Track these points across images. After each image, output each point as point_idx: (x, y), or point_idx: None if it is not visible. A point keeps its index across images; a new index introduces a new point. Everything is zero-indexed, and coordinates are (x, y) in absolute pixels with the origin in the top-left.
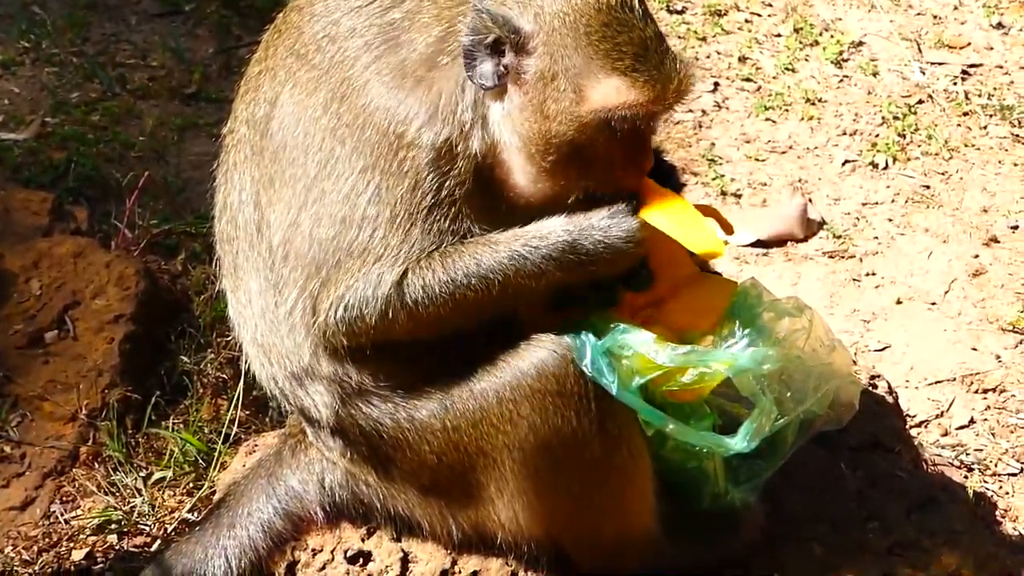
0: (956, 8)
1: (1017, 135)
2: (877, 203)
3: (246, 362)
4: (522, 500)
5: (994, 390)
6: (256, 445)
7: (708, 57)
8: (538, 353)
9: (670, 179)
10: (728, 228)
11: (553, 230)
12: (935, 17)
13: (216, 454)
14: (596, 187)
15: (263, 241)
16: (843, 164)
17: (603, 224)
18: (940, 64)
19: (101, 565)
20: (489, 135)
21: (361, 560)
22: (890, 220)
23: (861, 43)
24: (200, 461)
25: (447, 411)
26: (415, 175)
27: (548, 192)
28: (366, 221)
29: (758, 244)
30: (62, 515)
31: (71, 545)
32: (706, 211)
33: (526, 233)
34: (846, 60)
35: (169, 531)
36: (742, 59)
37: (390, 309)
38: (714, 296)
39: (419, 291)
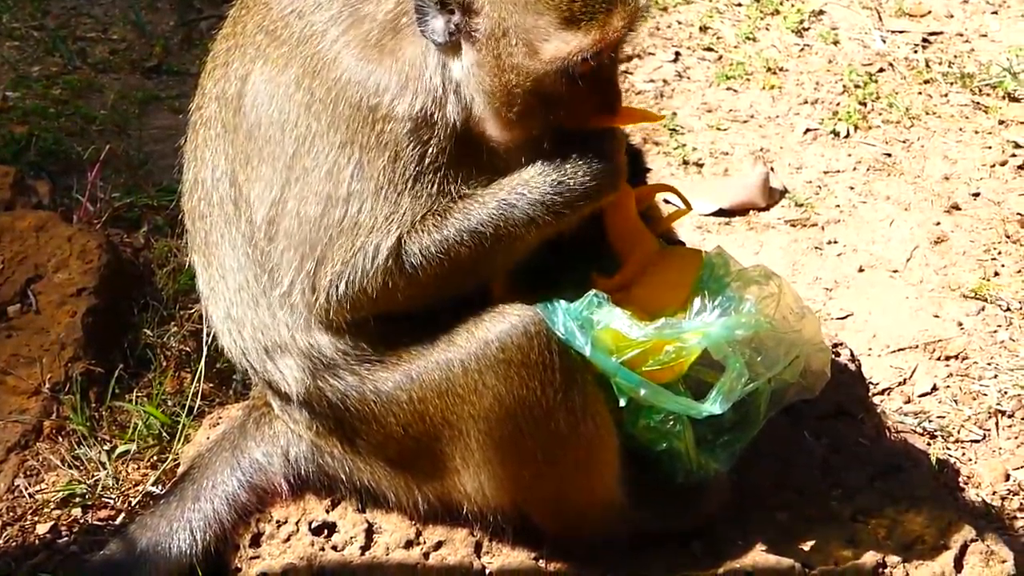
0: None
1: (978, 103)
2: (839, 171)
3: (210, 335)
4: (487, 470)
5: (956, 357)
6: (220, 418)
7: (669, 27)
8: (503, 324)
9: (635, 163)
10: (687, 205)
11: (535, 175)
12: None
13: (180, 427)
14: (570, 124)
15: (242, 218)
16: (804, 133)
17: (582, 161)
18: (901, 32)
19: (66, 539)
20: (461, 96)
21: (326, 531)
22: (852, 188)
23: (822, 12)
24: (164, 434)
25: (413, 382)
26: (395, 146)
27: (522, 139)
28: (352, 196)
29: (720, 213)
30: (26, 489)
31: (35, 519)
32: (664, 188)
33: (510, 182)
34: (807, 29)
35: (133, 504)
36: (703, 28)
37: (389, 278)
38: (681, 271)
39: (416, 255)
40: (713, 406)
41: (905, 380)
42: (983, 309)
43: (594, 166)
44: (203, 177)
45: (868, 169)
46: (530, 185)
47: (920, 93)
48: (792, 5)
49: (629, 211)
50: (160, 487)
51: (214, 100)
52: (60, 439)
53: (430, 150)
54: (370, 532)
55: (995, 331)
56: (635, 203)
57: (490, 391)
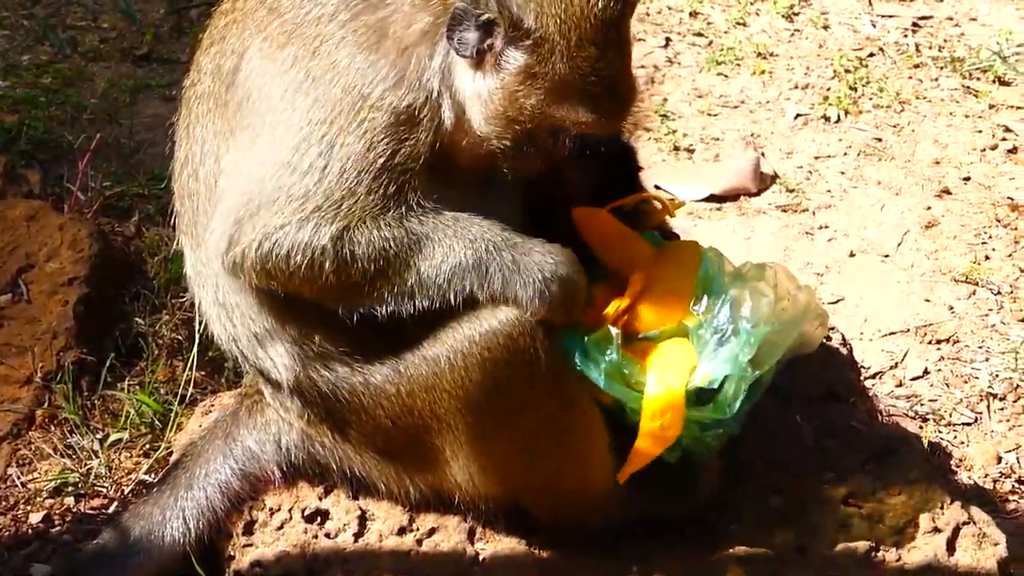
0: None
1: (968, 87)
2: (829, 156)
3: (202, 322)
4: (477, 463)
5: (947, 341)
6: (212, 406)
7: (659, 12)
8: (490, 321)
9: (627, 161)
10: (671, 212)
11: (498, 235)
12: None
13: (172, 415)
14: (517, 167)
15: (217, 193)
16: (795, 118)
17: (546, 261)
18: (891, 17)
19: (58, 528)
20: (456, 104)
21: (319, 519)
22: (842, 173)
23: None
24: (156, 423)
25: (401, 376)
26: (371, 136)
27: (495, 164)
28: (312, 170)
29: (711, 199)
30: (18, 478)
31: (28, 508)
32: (651, 198)
33: (475, 224)
34: (797, 14)
35: (126, 493)
36: (693, 14)
37: (323, 261)
38: (681, 268)
39: (356, 246)
40: (727, 411)
41: (896, 364)
42: (974, 293)
43: (558, 273)
44: (192, 153)
45: (859, 154)
46: (489, 264)
47: (910, 78)
48: None
49: (608, 227)
50: (153, 475)
51: (209, 76)
52: (52, 428)
53: (404, 150)
54: (363, 519)
55: (986, 315)
56: (611, 219)
57: (477, 387)
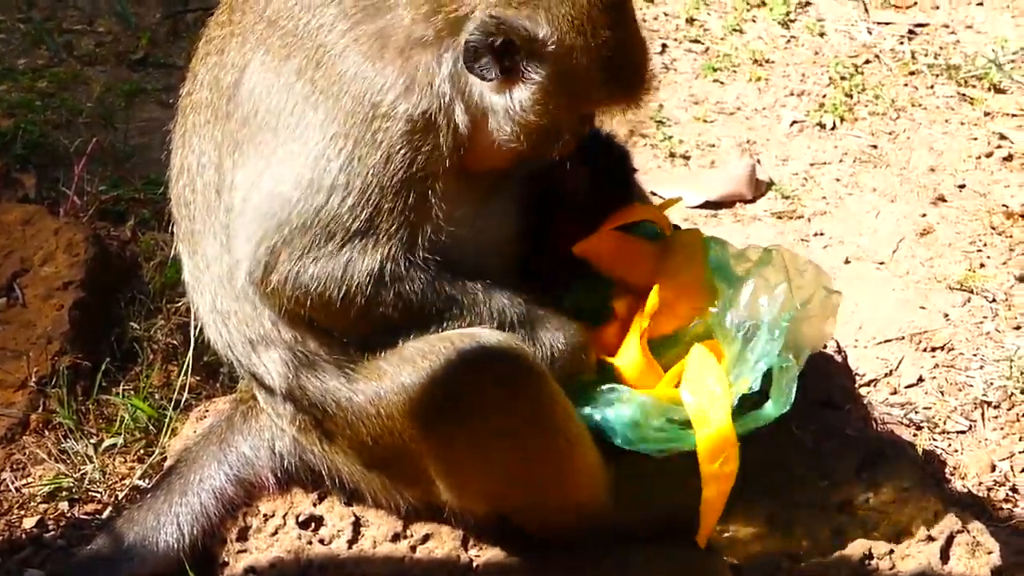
0: None
1: (964, 94)
2: (825, 163)
3: (197, 328)
4: (460, 487)
5: (942, 348)
6: (207, 411)
7: (656, 19)
8: (468, 348)
9: (622, 166)
10: (668, 228)
11: (516, 328)
12: None
13: (167, 420)
14: (550, 152)
15: (222, 204)
16: (791, 124)
17: (558, 338)
18: (887, 24)
19: (53, 533)
20: (471, 110)
21: (313, 524)
22: (838, 180)
23: (808, 3)
24: (151, 427)
25: (380, 399)
26: (388, 147)
27: (510, 158)
28: (336, 188)
29: (707, 205)
30: (12, 483)
31: (22, 513)
32: (647, 212)
33: (501, 312)
34: (793, 21)
35: (120, 498)
36: (689, 20)
37: (356, 295)
38: (690, 270)
39: (390, 294)
40: (777, 410)
41: (891, 371)
42: (969, 300)
43: (570, 344)
44: (189, 163)
45: (854, 161)
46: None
47: (906, 85)
48: None
49: (613, 246)
50: (147, 481)
51: (207, 87)
52: (47, 433)
53: (420, 157)
54: (357, 525)
55: (981, 322)
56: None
57: (456, 414)
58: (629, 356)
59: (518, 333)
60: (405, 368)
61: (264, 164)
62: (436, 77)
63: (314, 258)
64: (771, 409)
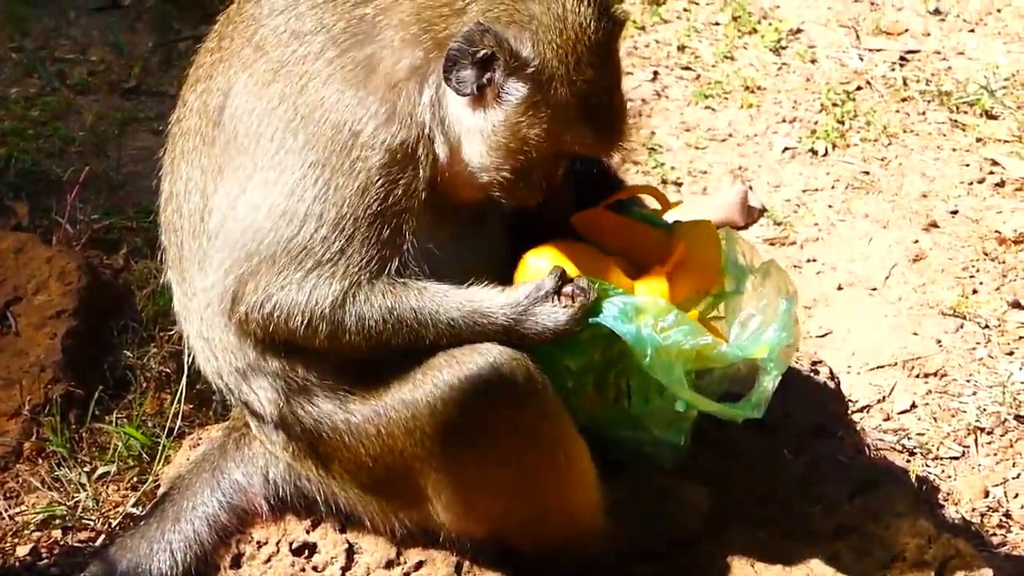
0: None
1: (955, 120)
2: (817, 189)
3: (189, 356)
4: (459, 504)
5: (935, 374)
6: (200, 439)
7: (647, 46)
8: (470, 365)
9: (607, 176)
10: (666, 204)
11: (497, 311)
12: (872, 3)
13: (160, 448)
14: (518, 198)
15: (205, 230)
16: (783, 151)
17: (547, 312)
18: (878, 50)
19: (46, 561)
20: (449, 138)
21: (306, 552)
22: (830, 206)
23: (799, 30)
24: (144, 455)
25: (380, 417)
26: (366, 177)
27: (486, 193)
28: (309, 218)
29: None
30: (6, 511)
31: (15, 541)
32: (644, 190)
33: (472, 302)
34: (784, 47)
35: (114, 526)
36: (681, 48)
37: (319, 323)
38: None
39: (351, 318)
40: (753, 411)
41: (884, 397)
42: (962, 326)
43: (559, 319)
44: (177, 189)
45: (846, 187)
46: (490, 318)
47: (898, 111)
48: (770, 24)
49: (609, 222)
50: (140, 508)
51: (196, 113)
52: (40, 461)
53: (398, 191)
54: (351, 552)
55: (973, 348)
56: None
57: (457, 431)
58: (652, 283)
59: (506, 321)
60: (406, 385)
61: (239, 190)
62: (417, 106)
63: (279, 286)
64: (743, 407)
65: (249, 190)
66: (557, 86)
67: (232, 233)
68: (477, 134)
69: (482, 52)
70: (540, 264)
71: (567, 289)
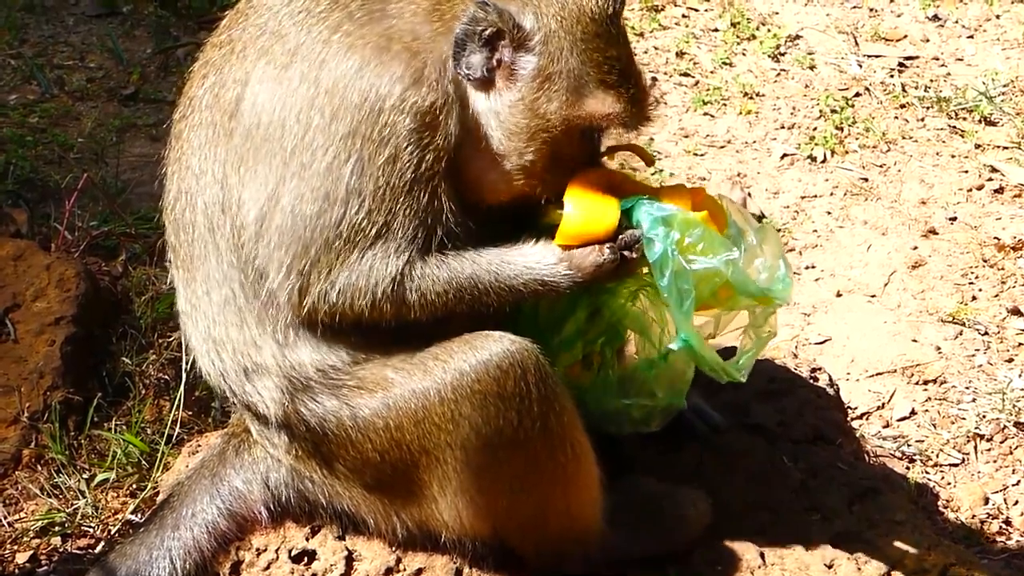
0: (892, 1)
1: (954, 127)
2: (816, 196)
3: (189, 361)
4: (465, 499)
5: (934, 381)
6: (199, 445)
7: (646, 52)
8: (480, 354)
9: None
10: (649, 161)
11: (561, 280)
12: (871, 10)
13: (159, 455)
14: (550, 186)
15: (228, 221)
16: (781, 157)
17: (606, 274)
18: (877, 57)
19: (45, 568)
20: (467, 119)
21: (306, 559)
22: (829, 213)
23: (798, 37)
24: (143, 462)
25: (389, 410)
26: (395, 144)
27: (514, 185)
28: (351, 196)
29: None
30: (5, 518)
31: (14, 548)
32: (627, 148)
33: (530, 270)
34: (783, 54)
35: (113, 533)
36: (680, 54)
37: (385, 303)
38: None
39: (416, 289)
40: (740, 374)
41: (883, 404)
42: (961, 333)
43: (609, 269)
44: (187, 185)
45: (845, 194)
46: (546, 270)
47: (896, 117)
48: (768, 30)
49: (603, 179)
50: (139, 515)
51: (205, 107)
52: (39, 468)
53: (428, 155)
54: (350, 559)
55: (973, 355)
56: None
57: (466, 420)
58: (678, 197)
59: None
60: (416, 373)
61: (276, 179)
62: (443, 76)
63: (340, 272)
64: (732, 366)
65: (288, 177)
66: (567, 55)
67: (283, 228)
68: (494, 117)
69: (488, 30)
70: (581, 214)
71: (625, 252)
